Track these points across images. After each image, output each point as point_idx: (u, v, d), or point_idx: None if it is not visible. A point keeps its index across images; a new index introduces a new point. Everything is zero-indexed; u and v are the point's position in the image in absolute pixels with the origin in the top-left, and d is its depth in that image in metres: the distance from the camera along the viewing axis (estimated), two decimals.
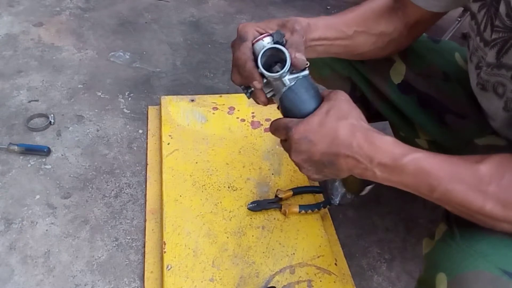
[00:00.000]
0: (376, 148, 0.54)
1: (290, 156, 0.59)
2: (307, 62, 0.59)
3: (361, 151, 0.54)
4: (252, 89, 0.61)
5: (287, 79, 0.58)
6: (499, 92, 0.64)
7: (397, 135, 0.99)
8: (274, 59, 0.59)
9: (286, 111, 0.60)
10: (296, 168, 0.61)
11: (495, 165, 0.51)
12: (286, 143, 0.59)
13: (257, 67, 0.59)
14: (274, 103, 0.64)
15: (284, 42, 0.59)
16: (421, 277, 0.61)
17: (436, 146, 0.86)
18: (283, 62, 0.57)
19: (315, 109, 0.58)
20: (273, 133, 0.61)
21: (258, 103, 0.63)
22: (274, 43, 0.58)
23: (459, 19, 1.64)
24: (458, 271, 0.53)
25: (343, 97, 0.58)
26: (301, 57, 0.58)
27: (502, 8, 0.57)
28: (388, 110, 0.90)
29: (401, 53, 0.84)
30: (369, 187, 0.71)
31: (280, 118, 0.61)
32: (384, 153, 0.54)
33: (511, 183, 0.50)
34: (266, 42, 0.59)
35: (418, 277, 0.63)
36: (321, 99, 0.60)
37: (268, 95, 0.61)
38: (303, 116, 0.58)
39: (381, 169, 0.54)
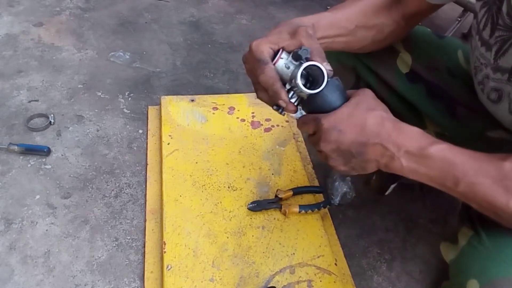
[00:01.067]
0: (404, 136, 0.55)
1: (318, 147, 0.59)
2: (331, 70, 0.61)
3: (389, 139, 0.55)
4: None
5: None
6: (492, 98, 0.64)
7: None
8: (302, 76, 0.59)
9: (314, 112, 0.61)
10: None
11: None
12: (315, 136, 0.60)
13: (283, 81, 0.60)
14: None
15: (310, 56, 0.59)
16: (448, 284, 0.61)
17: (444, 138, 0.86)
18: (312, 75, 0.58)
19: (336, 103, 0.59)
20: (301, 127, 0.62)
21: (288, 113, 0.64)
22: (304, 59, 0.58)
23: (459, 19, 1.64)
24: (491, 277, 0.52)
25: (370, 93, 0.60)
26: (328, 67, 0.59)
27: (504, 7, 0.57)
28: (395, 100, 0.89)
29: (405, 45, 0.85)
30: (392, 186, 0.72)
31: (306, 114, 0.62)
32: (411, 141, 0.55)
33: None
34: (286, 59, 0.60)
35: (443, 285, 0.62)
36: (347, 98, 0.60)
37: (296, 103, 0.62)
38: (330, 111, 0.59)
39: (408, 158, 0.55)
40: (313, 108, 0.60)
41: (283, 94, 0.59)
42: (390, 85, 0.87)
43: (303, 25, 0.63)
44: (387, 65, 0.86)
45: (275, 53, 0.60)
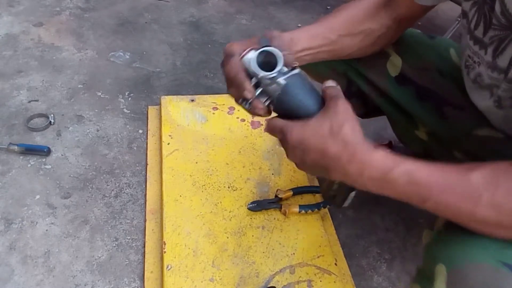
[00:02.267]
0: (365, 164, 0.55)
1: (287, 155, 0.61)
2: (296, 62, 0.62)
3: (350, 167, 0.55)
4: (250, 100, 0.62)
5: (281, 79, 0.59)
6: (494, 92, 0.64)
7: (395, 128, 0.99)
8: (265, 67, 0.60)
9: (284, 113, 0.61)
10: (296, 168, 0.62)
11: (487, 174, 0.51)
12: (283, 143, 0.61)
13: (250, 76, 0.60)
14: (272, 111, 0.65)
15: (269, 44, 0.61)
16: (420, 268, 0.62)
17: (436, 138, 0.87)
18: (273, 65, 0.59)
19: (311, 107, 0.59)
20: (267, 131, 0.63)
21: (260, 115, 0.64)
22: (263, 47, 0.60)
23: (459, 19, 1.64)
24: (458, 263, 0.53)
25: (341, 108, 0.58)
26: (289, 55, 0.61)
27: (497, 7, 0.57)
28: (386, 104, 0.90)
29: (395, 48, 0.85)
30: (352, 194, 0.73)
31: (275, 118, 0.62)
32: (373, 168, 0.55)
33: (506, 190, 0.50)
34: (253, 54, 0.61)
35: (416, 268, 0.63)
36: (319, 96, 0.60)
37: (266, 103, 0.62)
38: (301, 115, 0.59)
39: (372, 182, 0.56)
40: (282, 106, 0.60)
41: (247, 83, 0.60)
42: (381, 88, 0.88)
43: (278, 35, 0.65)
44: (377, 69, 0.87)
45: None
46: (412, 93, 0.85)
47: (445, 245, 0.57)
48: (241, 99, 0.63)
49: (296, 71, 0.60)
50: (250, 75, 0.60)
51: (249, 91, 0.61)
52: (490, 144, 0.76)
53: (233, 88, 0.63)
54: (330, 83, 0.61)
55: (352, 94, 0.97)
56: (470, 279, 0.51)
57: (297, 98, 0.59)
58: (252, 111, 0.64)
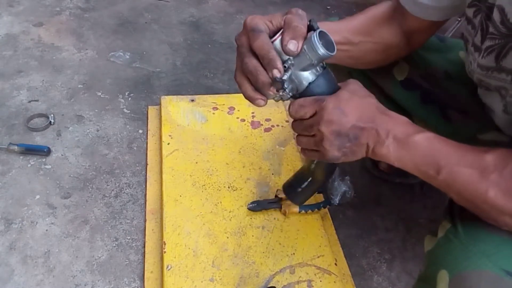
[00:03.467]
0: (393, 123, 0.57)
1: (317, 127, 0.57)
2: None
3: (382, 124, 0.57)
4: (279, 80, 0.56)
5: (319, 68, 0.58)
6: (502, 93, 0.64)
7: None
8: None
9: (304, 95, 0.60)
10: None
11: (499, 156, 0.53)
12: (314, 117, 0.58)
13: (313, 52, 0.55)
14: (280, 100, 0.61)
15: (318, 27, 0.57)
16: (422, 274, 0.61)
17: None
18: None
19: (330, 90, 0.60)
20: (296, 111, 0.59)
21: (270, 98, 0.60)
22: (316, 28, 0.56)
23: (459, 19, 1.64)
24: (461, 270, 0.53)
25: (360, 84, 0.62)
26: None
27: (497, 16, 0.57)
28: (389, 106, 0.89)
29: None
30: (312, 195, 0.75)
31: (303, 98, 0.59)
32: (399, 127, 0.57)
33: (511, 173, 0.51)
34: (313, 34, 0.56)
35: (418, 274, 0.63)
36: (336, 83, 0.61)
37: (289, 94, 0.59)
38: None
39: (395, 143, 0.56)
40: (314, 89, 0.59)
41: (278, 62, 0.55)
42: (385, 91, 0.88)
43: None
44: (383, 72, 0.86)
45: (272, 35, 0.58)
46: (417, 97, 0.85)
47: (448, 251, 0.56)
48: (262, 80, 0.57)
49: (325, 67, 0.60)
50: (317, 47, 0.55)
51: (280, 70, 0.55)
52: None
53: (253, 73, 0.56)
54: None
55: None
56: (472, 287, 0.51)
57: (326, 90, 0.59)
58: (269, 93, 0.58)
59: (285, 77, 0.55)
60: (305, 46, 0.55)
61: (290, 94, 0.59)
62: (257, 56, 0.56)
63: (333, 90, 0.59)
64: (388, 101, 0.89)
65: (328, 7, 1.97)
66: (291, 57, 0.56)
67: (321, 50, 0.54)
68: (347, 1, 2.02)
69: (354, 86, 0.60)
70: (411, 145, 0.56)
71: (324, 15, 1.91)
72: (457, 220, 0.59)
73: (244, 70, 0.58)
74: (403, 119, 0.59)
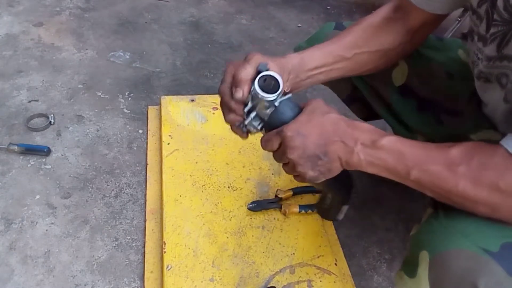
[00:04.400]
0: (358, 131, 0.59)
1: (285, 156, 0.61)
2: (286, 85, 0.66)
3: (346, 134, 0.59)
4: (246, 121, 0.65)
5: (277, 102, 0.62)
6: (503, 83, 0.65)
7: (395, 133, 1.00)
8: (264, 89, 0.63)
9: (272, 126, 0.64)
10: (294, 179, 0.64)
11: (464, 148, 0.55)
12: (280, 148, 0.62)
13: (251, 108, 0.63)
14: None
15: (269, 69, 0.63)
16: (406, 257, 0.63)
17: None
18: (272, 88, 0.62)
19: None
20: (265, 146, 0.64)
21: (249, 132, 0.67)
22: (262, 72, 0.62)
23: (459, 19, 1.64)
24: (440, 249, 0.55)
25: (321, 101, 0.63)
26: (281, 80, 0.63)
27: (500, 2, 0.57)
28: (386, 112, 0.91)
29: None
30: (345, 208, 0.76)
31: (268, 132, 0.64)
32: (365, 134, 0.59)
33: (479, 163, 0.53)
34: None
35: (403, 258, 0.65)
36: (301, 109, 0.64)
37: (258, 127, 0.65)
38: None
39: (364, 150, 0.59)
40: (275, 122, 0.63)
41: (238, 109, 0.63)
42: (382, 97, 0.89)
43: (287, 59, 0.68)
44: (382, 78, 0.87)
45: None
46: (413, 105, 0.86)
47: (429, 233, 0.59)
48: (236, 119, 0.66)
49: (288, 96, 0.64)
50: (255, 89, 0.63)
51: (240, 115, 0.64)
52: None
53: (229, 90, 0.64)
54: None
55: (356, 99, 0.98)
56: (451, 265, 0.53)
57: (286, 116, 0.62)
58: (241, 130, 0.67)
59: (246, 122, 0.64)
60: (252, 92, 0.61)
61: (259, 127, 0.65)
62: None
63: (296, 114, 0.62)
64: (387, 108, 0.90)
65: (328, 7, 1.97)
66: (249, 101, 0.63)
67: (262, 95, 0.60)
68: (347, 1, 2.02)
69: (313, 105, 0.62)
70: (379, 148, 0.58)
71: (324, 15, 1.91)
72: (439, 206, 0.61)
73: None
74: (368, 126, 0.61)
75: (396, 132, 0.98)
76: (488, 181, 0.52)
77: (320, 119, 0.60)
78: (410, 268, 0.60)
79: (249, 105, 0.63)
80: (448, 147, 0.56)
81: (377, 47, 0.75)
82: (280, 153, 0.62)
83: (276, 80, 0.61)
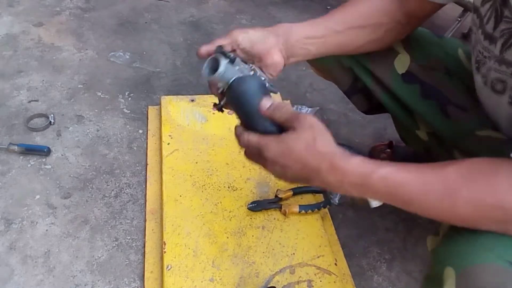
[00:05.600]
0: (344, 172, 0.56)
1: (263, 167, 0.62)
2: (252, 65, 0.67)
3: (330, 177, 0.56)
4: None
5: (232, 79, 0.64)
6: (498, 89, 0.64)
7: (397, 126, 1.00)
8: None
9: (239, 113, 0.65)
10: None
11: (465, 170, 0.53)
12: (259, 159, 0.61)
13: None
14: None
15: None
16: (428, 273, 0.61)
17: (436, 137, 0.87)
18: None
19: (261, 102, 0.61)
20: (244, 146, 0.63)
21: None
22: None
23: (459, 19, 1.64)
24: (466, 265, 0.53)
25: (311, 124, 0.58)
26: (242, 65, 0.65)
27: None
28: (389, 101, 0.90)
29: (405, 45, 0.85)
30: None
31: (247, 133, 0.63)
32: (352, 175, 0.56)
33: (481, 185, 0.51)
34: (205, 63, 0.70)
35: (424, 274, 0.63)
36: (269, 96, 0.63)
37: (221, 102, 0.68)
38: (252, 111, 0.62)
39: (353, 188, 0.56)
40: (232, 101, 0.65)
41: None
42: (385, 85, 0.88)
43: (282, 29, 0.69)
44: (384, 65, 0.87)
45: None
46: (416, 91, 0.85)
47: (452, 248, 0.57)
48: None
49: (254, 73, 0.65)
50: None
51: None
52: (491, 144, 0.76)
53: None
54: (267, 102, 0.62)
55: (357, 90, 0.97)
56: (479, 281, 0.51)
57: (246, 102, 0.63)
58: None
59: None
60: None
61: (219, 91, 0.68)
62: None
63: (255, 94, 0.62)
64: (389, 96, 0.89)
65: (328, 7, 1.97)
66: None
67: (205, 73, 0.67)
68: (347, 1, 2.01)
69: (302, 130, 0.57)
70: (369, 187, 0.55)
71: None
72: None
73: None
74: (356, 162, 0.56)
75: (399, 123, 0.98)
76: (492, 202, 0.51)
77: (303, 153, 0.57)
78: (434, 286, 0.57)
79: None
80: (444, 167, 0.54)
81: (368, 22, 0.76)
82: (255, 157, 0.62)
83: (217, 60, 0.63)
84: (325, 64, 0.95)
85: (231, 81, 0.63)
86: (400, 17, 0.76)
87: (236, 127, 0.65)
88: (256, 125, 0.62)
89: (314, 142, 0.57)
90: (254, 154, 0.61)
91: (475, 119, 0.79)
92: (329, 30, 0.74)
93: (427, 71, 0.84)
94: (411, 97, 0.86)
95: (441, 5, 0.75)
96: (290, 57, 0.72)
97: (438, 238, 0.63)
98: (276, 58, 0.71)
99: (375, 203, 0.60)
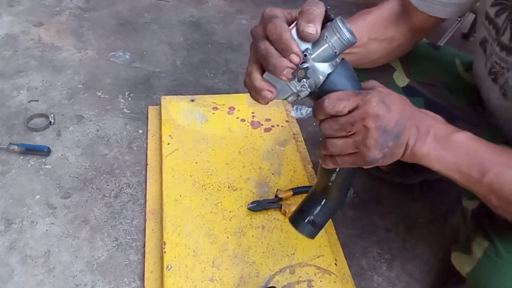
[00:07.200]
0: (433, 120, 0.54)
1: (363, 122, 0.50)
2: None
3: (422, 121, 0.53)
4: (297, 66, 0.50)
5: (337, 60, 0.52)
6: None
7: None
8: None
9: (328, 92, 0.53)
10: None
11: None
12: (357, 112, 0.51)
13: (338, 37, 0.50)
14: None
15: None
16: None
17: None
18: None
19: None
20: (335, 105, 0.51)
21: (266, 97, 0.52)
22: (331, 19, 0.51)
23: (459, 19, 1.64)
24: None
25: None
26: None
27: None
28: None
29: (402, 62, 0.84)
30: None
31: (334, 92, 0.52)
32: (439, 125, 0.54)
33: None
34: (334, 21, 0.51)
35: None
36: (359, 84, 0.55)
37: (308, 89, 0.52)
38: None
39: (436, 141, 0.52)
40: (333, 83, 0.52)
41: (294, 45, 0.48)
42: None
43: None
44: (384, 80, 0.85)
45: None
46: (421, 104, 0.83)
47: (493, 272, 0.55)
48: (273, 63, 0.49)
49: (342, 58, 0.54)
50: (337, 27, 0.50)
51: (297, 54, 0.48)
52: None
53: (265, 50, 0.49)
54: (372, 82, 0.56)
55: None
56: None
57: (349, 82, 0.53)
58: (283, 79, 0.50)
59: (305, 65, 0.49)
60: (326, 33, 0.49)
61: (309, 89, 0.52)
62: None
63: (355, 84, 0.53)
64: None
65: (328, 7, 1.96)
66: (309, 47, 0.50)
67: (346, 35, 0.49)
68: (347, 1, 2.02)
69: (378, 85, 0.54)
70: (453, 144, 0.52)
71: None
72: (493, 237, 0.58)
73: (256, 56, 0.51)
74: (441, 118, 0.55)
75: None
76: None
77: (399, 97, 0.53)
78: None
79: (308, 51, 0.50)
80: None
81: (385, 36, 0.74)
82: (350, 120, 0.51)
83: (351, 29, 0.50)
84: None
85: (338, 62, 0.52)
86: (407, 32, 0.75)
87: (315, 104, 0.53)
88: None
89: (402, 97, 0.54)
90: (351, 102, 0.51)
91: (486, 134, 0.77)
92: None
93: (428, 87, 0.83)
94: None
95: (443, 20, 0.74)
96: None
97: (472, 258, 0.61)
98: None
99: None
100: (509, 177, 0.51)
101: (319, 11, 0.49)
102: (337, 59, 0.52)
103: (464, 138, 0.53)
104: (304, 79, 0.50)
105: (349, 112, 0.51)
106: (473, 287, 0.60)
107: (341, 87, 0.52)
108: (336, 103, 0.51)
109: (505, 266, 0.55)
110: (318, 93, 0.52)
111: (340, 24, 0.49)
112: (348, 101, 0.51)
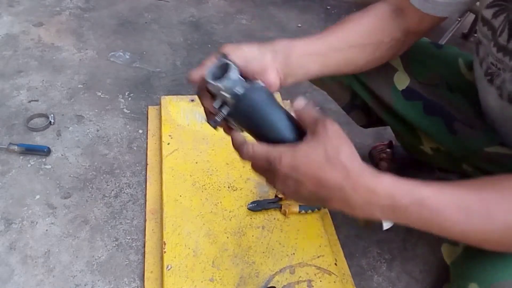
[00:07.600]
0: (373, 191, 0.47)
1: (273, 185, 0.52)
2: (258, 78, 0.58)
3: (355, 196, 0.47)
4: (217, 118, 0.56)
5: (238, 88, 0.53)
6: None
7: (399, 139, 0.99)
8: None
9: (253, 131, 0.55)
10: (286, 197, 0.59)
11: (506, 189, 0.49)
12: (267, 173, 0.52)
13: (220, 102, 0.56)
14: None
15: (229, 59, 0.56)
16: (449, 287, 0.60)
17: (441, 152, 0.85)
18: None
19: (282, 127, 0.53)
20: (249, 159, 0.53)
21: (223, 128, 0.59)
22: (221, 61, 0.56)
23: (459, 19, 1.64)
24: (491, 281, 0.52)
25: (332, 130, 0.49)
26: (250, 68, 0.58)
27: None
28: (391, 118, 0.88)
29: (403, 62, 0.83)
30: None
31: (254, 143, 0.53)
32: (382, 195, 0.48)
33: (493, 199, 0.48)
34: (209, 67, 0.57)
35: (444, 287, 0.63)
36: (290, 117, 0.54)
37: (223, 116, 0.56)
38: (273, 136, 0.53)
39: (381, 210, 0.48)
40: (245, 120, 0.54)
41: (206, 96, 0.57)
42: (386, 103, 0.86)
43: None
44: (384, 82, 0.84)
45: None
46: (420, 108, 0.82)
47: (476, 263, 0.55)
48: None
49: (261, 84, 0.56)
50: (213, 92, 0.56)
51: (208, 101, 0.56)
52: (500, 160, 0.74)
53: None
54: (301, 102, 0.52)
55: (356, 107, 0.96)
56: None
57: (261, 113, 0.53)
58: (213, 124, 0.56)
59: (214, 104, 0.56)
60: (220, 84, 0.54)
61: (233, 120, 0.56)
62: None
63: (272, 111, 0.53)
64: (390, 114, 0.87)
65: (328, 7, 1.97)
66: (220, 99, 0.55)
67: (206, 79, 0.54)
68: (347, 1, 2.02)
69: (323, 138, 0.49)
70: (401, 210, 0.48)
71: (324, 15, 1.91)
72: None
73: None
74: (387, 181, 0.48)
75: (401, 138, 0.96)
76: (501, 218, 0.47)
77: (326, 164, 0.47)
78: None
79: (217, 100, 0.55)
80: (482, 188, 0.50)
81: (370, 41, 0.72)
82: (265, 177, 0.52)
83: (228, 64, 0.53)
84: (324, 82, 0.94)
85: (242, 90, 0.53)
86: (399, 35, 0.73)
87: (233, 138, 0.55)
88: (272, 133, 0.53)
89: (338, 153, 0.47)
90: (261, 167, 0.52)
91: (483, 135, 0.76)
92: (330, 47, 0.68)
93: (428, 87, 0.82)
94: (414, 114, 0.82)
95: (441, 19, 0.72)
96: (287, 77, 0.63)
97: (458, 249, 0.60)
98: (271, 78, 0.60)
99: (386, 225, 0.52)
100: (470, 229, 0.49)
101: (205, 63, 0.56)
102: (241, 87, 0.53)
103: (413, 204, 0.48)
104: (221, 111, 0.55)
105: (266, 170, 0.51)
106: (455, 277, 0.59)
107: (256, 113, 0.53)
108: (249, 159, 0.52)
109: (488, 260, 0.54)
110: (238, 119, 0.55)
111: (205, 73, 0.54)
112: (259, 162, 0.51)
